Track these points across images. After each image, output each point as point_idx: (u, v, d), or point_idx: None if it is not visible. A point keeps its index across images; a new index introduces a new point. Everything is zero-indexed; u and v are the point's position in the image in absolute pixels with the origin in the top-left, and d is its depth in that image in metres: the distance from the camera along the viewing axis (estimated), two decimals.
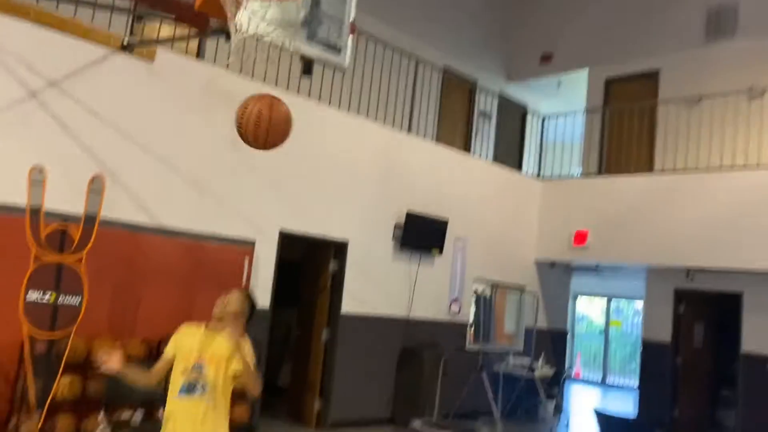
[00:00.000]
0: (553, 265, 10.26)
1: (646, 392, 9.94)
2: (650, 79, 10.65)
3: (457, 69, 11.09)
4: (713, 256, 8.30)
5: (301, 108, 6.42)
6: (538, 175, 10.52)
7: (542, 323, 9.98)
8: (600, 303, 15.80)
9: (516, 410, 8.45)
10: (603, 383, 15.00)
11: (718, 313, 10.22)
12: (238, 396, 3.47)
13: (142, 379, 3.15)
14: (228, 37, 3.58)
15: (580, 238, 9.35)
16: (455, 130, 11.23)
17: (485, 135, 11.75)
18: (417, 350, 7.93)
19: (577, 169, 11.25)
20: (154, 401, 5.25)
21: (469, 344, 8.84)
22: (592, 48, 11.44)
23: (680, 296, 9.78)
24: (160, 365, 3.15)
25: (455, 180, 8.94)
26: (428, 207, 8.33)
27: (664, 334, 9.82)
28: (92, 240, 4.86)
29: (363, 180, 7.79)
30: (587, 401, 12.22)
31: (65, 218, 4.89)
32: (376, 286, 7.86)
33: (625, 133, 10.56)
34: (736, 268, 8.30)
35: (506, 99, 12.22)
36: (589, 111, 11.12)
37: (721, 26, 9.97)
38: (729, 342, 10.46)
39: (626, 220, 9.05)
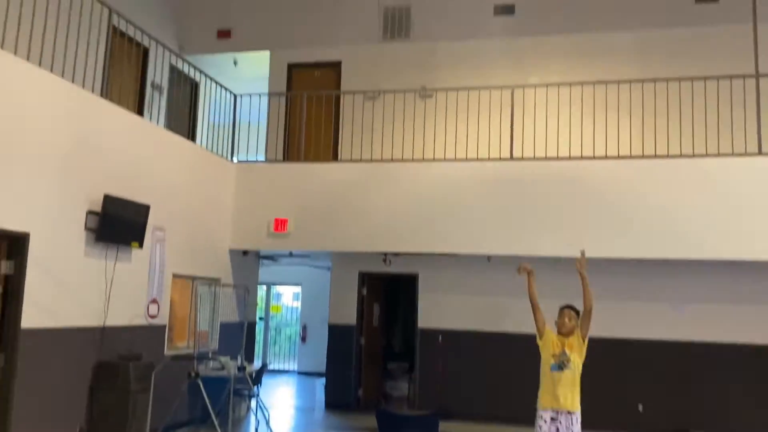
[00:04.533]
0: (245, 253, 9.69)
1: (333, 375, 10.19)
2: (332, 68, 10.89)
3: (126, 32, 9.48)
4: (402, 241, 8.86)
5: None
6: (231, 157, 9.75)
7: (233, 317, 9.34)
8: (260, 291, 15.72)
9: (224, 413, 7.66)
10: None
11: (392, 293, 11.07)
12: None
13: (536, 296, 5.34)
14: None
15: (281, 224, 8.99)
16: (126, 101, 9.66)
17: (156, 107, 10.47)
18: (118, 364, 6.51)
19: (261, 153, 10.85)
20: None
21: (168, 350, 7.71)
22: (273, 30, 11.17)
23: (364, 279, 10.28)
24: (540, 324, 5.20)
25: (153, 158, 7.65)
26: (126, 190, 6.91)
27: (349, 316, 10.20)
28: None
29: (48, 152, 6.00)
30: (265, 391, 11.96)
31: None
32: (66, 290, 6.17)
33: (311, 120, 10.54)
34: (415, 251, 9.02)
35: (179, 72, 11.05)
36: (272, 94, 10.78)
37: (396, 26, 10.73)
38: (395, 319, 11.49)
39: (326, 207, 9.03)
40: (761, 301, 8.78)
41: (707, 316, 8.88)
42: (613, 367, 9.02)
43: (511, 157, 8.97)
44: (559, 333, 5.18)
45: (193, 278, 8.43)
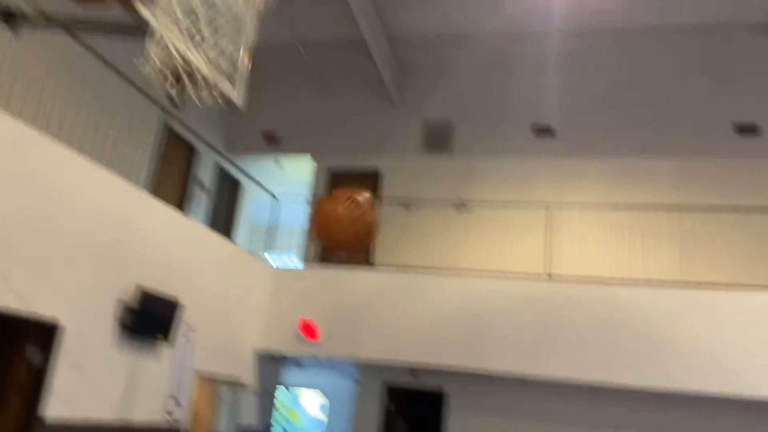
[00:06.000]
0: (271, 357, 9.52)
1: None
2: (372, 176, 11.12)
3: (176, 128, 9.88)
4: (432, 355, 8.61)
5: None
6: (266, 258, 9.80)
7: (252, 421, 9.05)
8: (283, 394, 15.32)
9: None
10: None
11: (420, 409, 10.65)
12: None
13: None
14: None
15: (312, 331, 8.87)
16: (170, 197, 9.95)
17: (200, 205, 10.74)
18: None
19: (297, 256, 10.93)
20: None
21: None
22: (316, 137, 11.55)
23: (390, 393, 9.95)
24: None
25: (191, 255, 7.74)
26: (160, 284, 6.94)
27: (370, 429, 9.80)
28: None
29: (85, 240, 6.12)
30: None
31: None
32: (89, 381, 6.08)
33: None
34: (445, 366, 8.71)
35: (224, 171, 11.45)
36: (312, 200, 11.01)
37: (437, 140, 11.01)
38: None
39: (356, 314, 8.93)
40: None
41: None
42: None
43: (549, 277, 8.83)
44: None
45: (217, 379, 8.26)
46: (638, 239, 9.36)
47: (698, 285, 8.31)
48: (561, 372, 8.11)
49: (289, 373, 13.31)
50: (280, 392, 14.98)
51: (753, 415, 8.32)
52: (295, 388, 15.05)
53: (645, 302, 8.13)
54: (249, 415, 8.95)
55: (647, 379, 7.79)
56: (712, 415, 8.41)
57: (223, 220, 11.28)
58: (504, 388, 9.20)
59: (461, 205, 10.25)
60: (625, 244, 9.39)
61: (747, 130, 9.71)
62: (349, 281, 9.20)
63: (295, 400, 15.64)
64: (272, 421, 10.28)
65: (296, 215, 11.07)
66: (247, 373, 8.97)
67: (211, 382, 8.16)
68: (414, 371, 9.50)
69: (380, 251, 10.35)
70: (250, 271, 9.12)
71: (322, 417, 14.75)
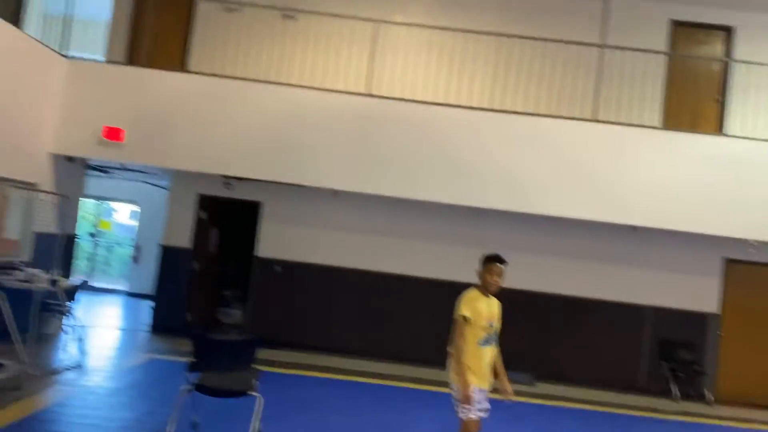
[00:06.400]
0: (71, 160, 8.82)
1: (162, 298, 9.74)
2: None
3: None
4: (246, 166, 8.49)
5: None
6: (63, 52, 8.65)
7: (52, 228, 8.55)
8: (90, 204, 14.57)
9: (31, 330, 7.02)
10: (90, 288, 14.00)
11: (233, 218, 10.70)
12: None
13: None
14: None
15: (114, 133, 8.25)
16: None
17: None
18: None
19: (100, 53, 9.83)
20: None
21: None
22: None
23: (203, 202, 9.81)
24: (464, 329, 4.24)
25: None
26: None
27: (184, 239, 9.74)
28: None
29: None
30: (87, 309, 11.23)
31: None
32: None
33: (160, 23, 9.75)
34: (259, 178, 8.68)
35: None
36: None
37: None
38: (235, 245, 11.19)
39: (167, 121, 8.41)
40: (582, 257, 9.49)
41: (529, 267, 9.44)
42: (436, 307, 9.42)
43: (368, 94, 8.84)
44: (487, 291, 4.33)
45: (4, 179, 7.54)
46: (456, 64, 9.57)
47: (504, 111, 8.80)
48: (372, 187, 8.44)
49: (101, 185, 12.64)
50: (91, 204, 14.31)
51: (541, 228, 9.37)
52: (106, 200, 14.41)
53: (456, 124, 8.50)
54: (47, 222, 8.41)
55: (452, 195, 8.37)
56: (507, 228, 9.35)
57: (7, 6, 9.68)
58: (317, 200, 9.47)
59: (287, 14, 9.70)
60: (444, 67, 9.57)
61: None
62: (159, 84, 8.54)
63: (108, 211, 15.07)
64: (75, 230, 9.81)
65: (99, 8, 9.82)
66: (43, 178, 8.29)
67: None
68: (228, 181, 9.40)
69: (195, 56, 9.64)
70: (40, 63, 8.07)
71: (134, 224, 14.41)
